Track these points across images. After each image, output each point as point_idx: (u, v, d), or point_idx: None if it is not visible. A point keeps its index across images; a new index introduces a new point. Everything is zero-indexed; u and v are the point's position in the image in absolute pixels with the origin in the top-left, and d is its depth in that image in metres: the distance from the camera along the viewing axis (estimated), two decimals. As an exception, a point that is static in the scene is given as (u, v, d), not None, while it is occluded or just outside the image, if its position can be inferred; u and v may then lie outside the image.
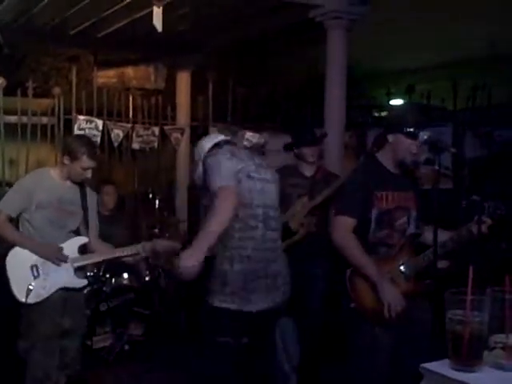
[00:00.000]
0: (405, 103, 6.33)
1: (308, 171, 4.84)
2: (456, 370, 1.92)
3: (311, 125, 5.22)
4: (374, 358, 3.28)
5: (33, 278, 3.80)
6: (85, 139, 4.18)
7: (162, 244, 4.08)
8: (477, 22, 6.49)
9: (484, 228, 3.24)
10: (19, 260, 3.83)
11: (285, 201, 4.55)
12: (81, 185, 4.03)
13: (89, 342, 5.13)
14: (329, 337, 4.65)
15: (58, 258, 3.86)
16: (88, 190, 4.12)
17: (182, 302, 6.27)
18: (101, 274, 5.40)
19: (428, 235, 3.36)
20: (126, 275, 5.71)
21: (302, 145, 4.79)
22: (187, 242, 5.74)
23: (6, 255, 3.86)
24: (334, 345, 4.43)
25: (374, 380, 3.31)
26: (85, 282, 4.06)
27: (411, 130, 3.25)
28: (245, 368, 3.29)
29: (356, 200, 3.39)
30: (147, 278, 5.95)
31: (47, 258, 3.84)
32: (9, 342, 4.12)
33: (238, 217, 3.15)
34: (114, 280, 5.62)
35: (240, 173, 3.19)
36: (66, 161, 3.87)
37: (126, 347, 5.47)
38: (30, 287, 3.74)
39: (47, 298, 3.83)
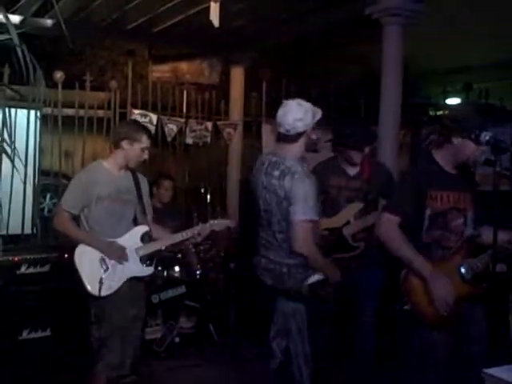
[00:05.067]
0: (466, 103, 6.19)
1: (351, 170, 4.47)
2: (522, 376, 1.89)
3: (363, 126, 4.83)
4: (430, 362, 3.23)
5: (103, 271, 3.87)
6: (137, 122, 4.35)
7: (219, 223, 4.18)
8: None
9: None
10: (88, 254, 3.89)
11: (331, 205, 4.43)
12: (133, 172, 4.11)
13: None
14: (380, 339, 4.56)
15: (121, 257, 3.93)
16: (140, 177, 4.19)
17: (231, 297, 6.30)
18: (153, 266, 5.46)
19: (486, 235, 3.30)
20: (177, 268, 5.78)
21: (350, 148, 4.37)
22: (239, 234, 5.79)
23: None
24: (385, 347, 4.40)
25: (436, 381, 3.26)
26: (151, 269, 4.14)
27: (477, 133, 3.18)
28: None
29: (405, 199, 3.34)
30: (198, 272, 6.00)
31: (110, 257, 3.91)
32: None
33: None
34: (165, 273, 5.69)
35: None
36: (126, 145, 3.96)
37: (177, 340, 5.52)
38: (102, 280, 3.82)
39: (118, 288, 3.91)
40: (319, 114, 3.68)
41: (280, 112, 3.62)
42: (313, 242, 3.57)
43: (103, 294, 3.82)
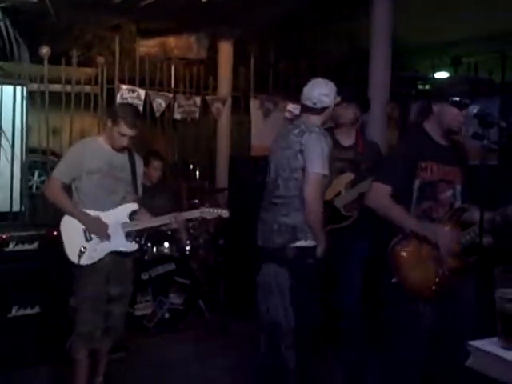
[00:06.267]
0: (451, 75, 6.19)
1: (345, 140, 4.45)
2: (506, 348, 1.89)
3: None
4: (415, 334, 3.25)
5: (85, 241, 3.90)
6: (129, 108, 4.22)
7: (210, 212, 4.16)
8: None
9: None
10: (73, 223, 3.92)
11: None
12: (129, 151, 4.10)
13: (130, 310, 5.21)
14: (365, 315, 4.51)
15: (102, 235, 3.92)
16: (136, 157, 4.18)
17: (221, 273, 6.32)
18: (142, 242, 5.47)
19: (473, 213, 3.31)
20: (166, 245, 5.78)
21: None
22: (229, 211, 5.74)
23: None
24: (372, 323, 4.40)
25: (415, 357, 3.27)
26: (135, 246, 4.14)
27: (456, 99, 3.19)
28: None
29: (395, 169, 3.34)
30: (188, 248, 6.01)
31: (92, 232, 3.91)
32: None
33: None
34: (155, 249, 5.69)
35: None
36: (109, 123, 3.97)
37: (167, 315, 5.55)
38: (82, 249, 3.84)
39: (98, 260, 3.92)
40: (338, 98, 3.94)
41: (307, 86, 3.87)
42: (321, 196, 3.76)
43: (82, 262, 3.85)
